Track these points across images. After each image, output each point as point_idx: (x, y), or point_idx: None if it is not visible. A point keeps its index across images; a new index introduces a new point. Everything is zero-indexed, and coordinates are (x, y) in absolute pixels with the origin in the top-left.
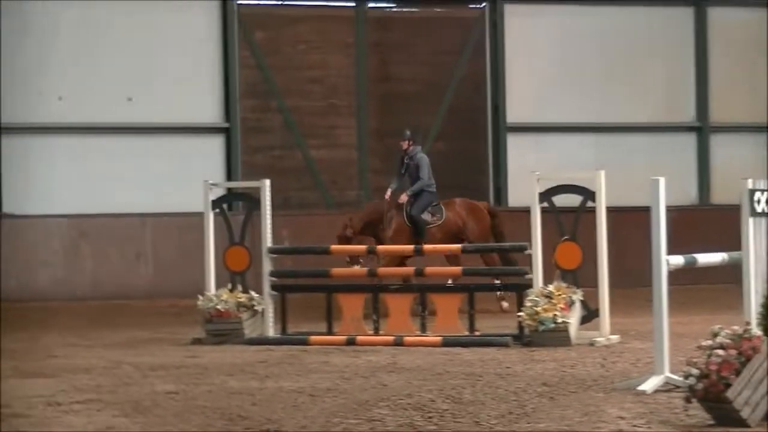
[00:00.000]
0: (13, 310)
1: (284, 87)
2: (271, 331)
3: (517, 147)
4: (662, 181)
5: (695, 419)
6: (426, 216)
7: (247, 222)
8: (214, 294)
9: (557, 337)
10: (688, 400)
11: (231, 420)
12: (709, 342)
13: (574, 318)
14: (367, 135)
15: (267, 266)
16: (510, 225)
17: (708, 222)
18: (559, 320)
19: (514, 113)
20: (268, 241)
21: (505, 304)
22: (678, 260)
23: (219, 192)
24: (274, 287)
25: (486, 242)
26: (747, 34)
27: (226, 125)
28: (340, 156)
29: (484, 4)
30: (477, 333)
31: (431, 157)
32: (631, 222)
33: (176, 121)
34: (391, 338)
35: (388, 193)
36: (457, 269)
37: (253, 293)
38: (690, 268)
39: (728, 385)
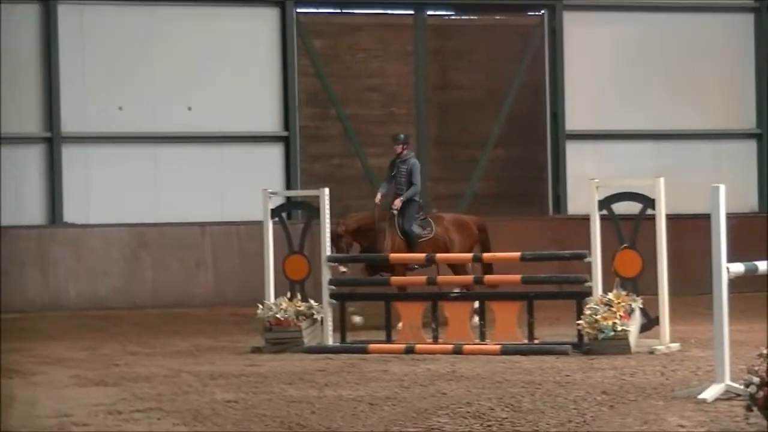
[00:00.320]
0: (74, 318)
1: (343, 95)
2: (330, 340)
3: (576, 154)
4: (722, 188)
5: (756, 427)
6: (417, 229)
7: (307, 230)
8: (274, 303)
9: (617, 345)
10: (748, 408)
11: (290, 428)
12: None
13: (633, 326)
14: (427, 143)
15: (326, 275)
16: (569, 233)
17: None
18: (619, 328)
19: (573, 120)
20: (327, 249)
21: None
22: (738, 268)
23: (278, 201)
24: (333, 296)
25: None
26: None
27: (285, 134)
28: None
29: (543, 11)
30: (536, 341)
31: (490, 164)
32: (691, 229)
33: (235, 129)
34: (450, 346)
35: (378, 196)
36: (516, 277)
37: (312, 302)
38: (750, 276)
39: None
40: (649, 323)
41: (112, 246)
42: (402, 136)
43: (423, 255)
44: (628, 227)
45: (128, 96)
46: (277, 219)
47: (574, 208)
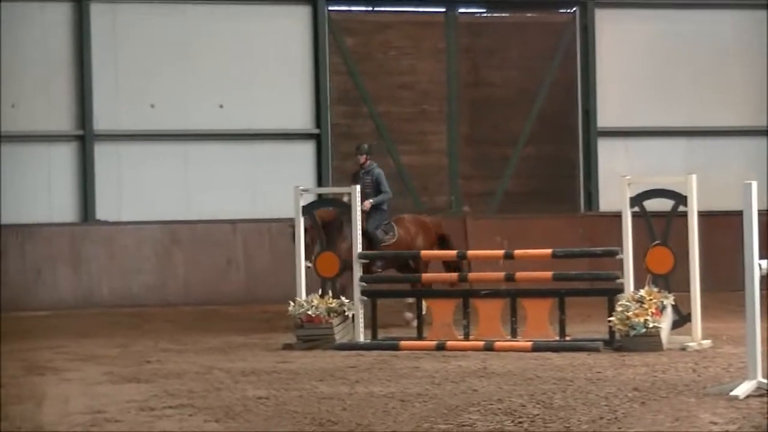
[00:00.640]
0: (107, 315)
1: (375, 93)
2: (362, 337)
3: (607, 151)
4: (754, 184)
5: None
6: (380, 234)
7: (340, 228)
8: (305, 299)
9: (649, 341)
10: None
11: (321, 425)
12: None
13: (665, 323)
14: (458, 140)
15: (357, 272)
16: (601, 230)
17: None
18: (651, 325)
19: (604, 117)
20: (358, 246)
21: (408, 315)
22: None
23: (310, 198)
24: (364, 293)
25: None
26: None
27: (316, 131)
28: (431, 162)
29: (574, 8)
30: (568, 338)
31: (522, 162)
32: (722, 226)
33: (267, 127)
34: (481, 343)
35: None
36: (548, 274)
37: (343, 299)
38: None
39: None
40: (681, 320)
41: (144, 243)
42: (366, 146)
43: (455, 252)
44: (660, 224)
45: (160, 94)
46: (308, 216)
47: (606, 205)
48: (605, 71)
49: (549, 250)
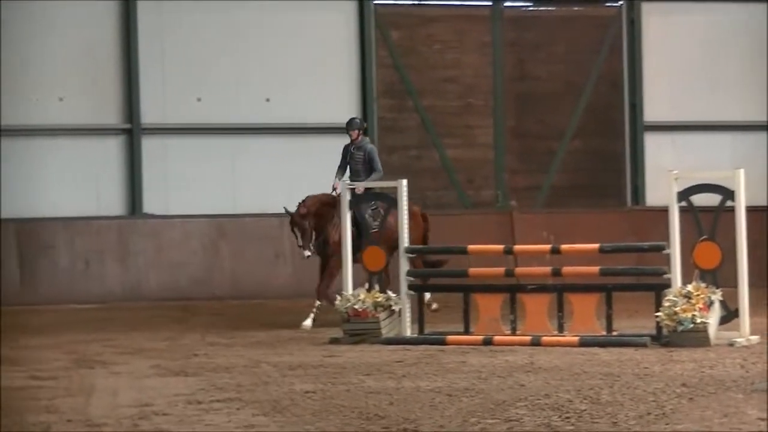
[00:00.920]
0: (154, 309)
1: (420, 87)
2: (408, 331)
3: (654, 145)
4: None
5: None
6: (369, 219)
7: (385, 222)
8: (352, 294)
9: (696, 337)
10: None
11: (368, 419)
12: None
13: (713, 318)
14: (504, 134)
15: (404, 266)
16: (648, 224)
17: None
18: (698, 320)
19: (651, 111)
20: (405, 240)
21: (434, 306)
22: None
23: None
24: (411, 287)
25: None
26: None
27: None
28: (477, 155)
29: (621, 2)
30: (615, 333)
31: (568, 156)
32: None
33: (313, 121)
34: (528, 338)
35: (337, 182)
36: (595, 269)
37: (390, 293)
38: None
39: None
40: (729, 315)
41: (191, 237)
42: (358, 120)
43: (502, 247)
44: (708, 219)
45: (207, 88)
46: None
47: (653, 199)
48: (652, 65)
49: (596, 245)
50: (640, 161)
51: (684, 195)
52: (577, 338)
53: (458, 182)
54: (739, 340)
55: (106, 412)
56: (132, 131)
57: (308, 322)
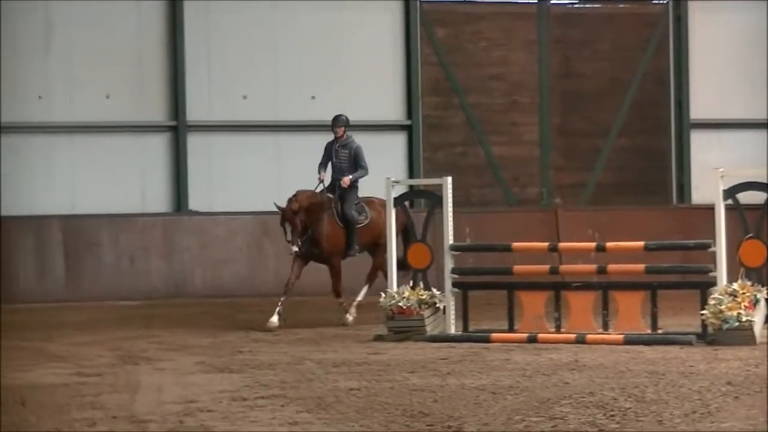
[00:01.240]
0: (199, 306)
1: (466, 84)
2: (453, 329)
3: (700, 143)
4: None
5: None
6: (354, 215)
7: (429, 219)
8: (396, 291)
9: (741, 335)
10: None
11: (413, 417)
12: None
13: (758, 316)
14: (550, 132)
15: (449, 263)
16: (693, 222)
17: None
18: (744, 318)
19: (697, 109)
20: (449, 238)
21: (349, 318)
22: None
23: (401, 189)
24: (455, 284)
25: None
26: None
27: (408, 122)
28: (522, 153)
29: None
30: (660, 331)
31: (614, 153)
32: None
33: (359, 118)
34: (572, 336)
35: (323, 175)
36: (640, 267)
37: (434, 290)
38: None
39: None
40: None
41: (236, 234)
42: (344, 117)
43: (547, 244)
44: (753, 217)
45: (252, 85)
46: (400, 207)
47: (699, 197)
48: (698, 62)
49: (641, 243)
50: (686, 159)
51: (730, 193)
52: (622, 336)
53: (503, 180)
54: None
55: (150, 408)
56: (177, 128)
57: (274, 319)
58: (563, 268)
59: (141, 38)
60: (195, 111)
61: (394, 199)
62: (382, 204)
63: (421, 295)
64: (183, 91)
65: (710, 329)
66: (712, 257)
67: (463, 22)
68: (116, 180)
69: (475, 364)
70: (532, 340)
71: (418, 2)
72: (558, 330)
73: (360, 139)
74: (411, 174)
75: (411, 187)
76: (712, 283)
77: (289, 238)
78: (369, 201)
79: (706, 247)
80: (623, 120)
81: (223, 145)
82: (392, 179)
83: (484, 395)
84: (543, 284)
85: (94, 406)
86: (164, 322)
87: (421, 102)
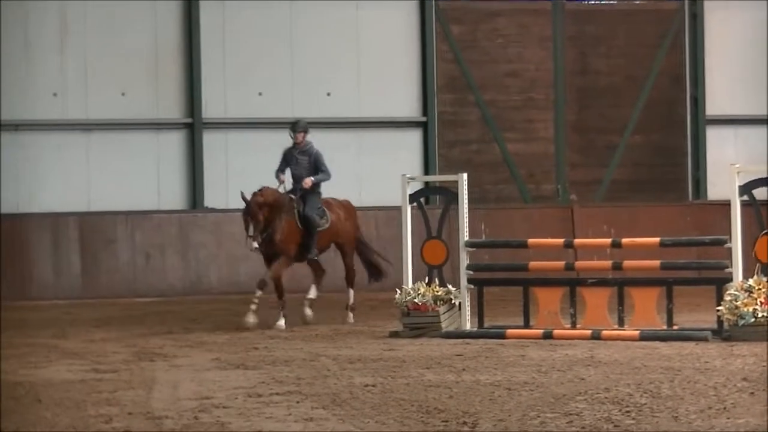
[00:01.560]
0: (214, 302)
1: (481, 81)
2: (468, 325)
3: (716, 139)
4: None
5: None
6: (316, 218)
7: (445, 216)
8: (412, 287)
9: (757, 331)
10: None
11: (428, 413)
12: None
13: None
14: (565, 128)
15: (464, 260)
16: (709, 218)
17: None
18: (760, 315)
19: (713, 105)
20: (465, 234)
21: (305, 314)
22: None
23: (416, 186)
24: (470, 281)
25: (353, 245)
26: None
27: (423, 119)
28: (538, 150)
29: None
30: (675, 327)
31: (629, 150)
32: None
33: (374, 115)
34: (588, 332)
35: (283, 178)
36: (655, 263)
37: (450, 287)
38: None
39: None
40: None
41: None
42: (303, 122)
43: (562, 240)
44: None
45: (268, 82)
46: (415, 204)
47: (714, 193)
48: (714, 59)
49: (657, 239)
50: (702, 155)
51: (746, 189)
52: (637, 332)
53: (519, 176)
54: None
55: (166, 404)
56: (193, 125)
57: (281, 323)
58: (578, 264)
59: (157, 36)
60: (211, 108)
61: (410, 195)
62: (341, 206)
63: (437, 291)
64: (199, 88)
65: (726, 325)
66: (728, 253)
67: (478, 19)
68: (132, 177)
69: (490, 360)
70: (548, 336)
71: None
72: (573, 326)
73: (375, 136)
74: (426, 171)
75: (426, 183)
76: (728, 279)
77: (251, 233)
78: (327, 203)
79: (721, 243)
80: (638, 116)
81: (238, 142)
82: (407, 176)
83: (499, 391)
84: (558, 280)
85: (110, 402)
86: (180, 318)
87: (437, 99)
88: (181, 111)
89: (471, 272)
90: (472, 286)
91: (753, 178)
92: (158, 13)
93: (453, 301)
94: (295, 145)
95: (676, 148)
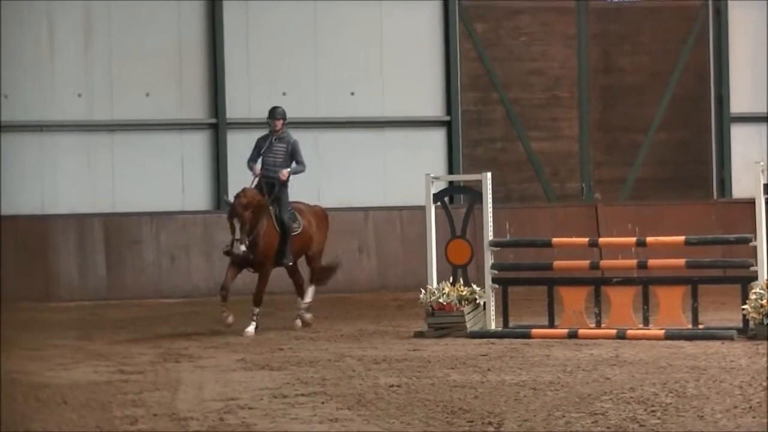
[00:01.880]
0: (239, 303)
1: (505, 79)
2: (493, 325)
3: (741, 137)
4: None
5: None
6: (289, 222)
7: (469, 215)
8: (436, 287)
9: None
10: None
11: (453, 413)
12: None
13: None
14: (589, 126)
15: (489, 259)
16: (734, 216)
17: None
18: None
19: (738, 103)
20: (489, 234)
21: (303, 319)
22: None
23: (441, 185)
24: (495, 280)
25: (322, 250)
26: None
27: (447, 118)
28: (562, 148)
29: None
30: (701, 326)
31: (653, 148)
32: None
33: (398, 114)
34: (613, 331)
35: (257, 170)
36: (680, 261)
37: (474, 286)
38: None
39: None
40: None
41: None
42: (281, 109)
43: (587, 239)
44: None
45: (292, 82)
46: (439, 203)
47: (739, 191)
48: (738, 56)
49: (682, 238)
50: (727, 153)
51: None
52: (662, 331)
53: (543, 175)
54: None
55: (191, 406)
56: (217, 126)
57: (251, 329)
58: (603, 263)
59: (181, 36)
60: (235, 108)
61: (434, 195)
62: (312, 211)
63: (461, 291)
64: (223, 88)
65: (751, 324)
66: (753, 251)
67: (502, 18)
68: (157, 178)
69: (516, 360)
70: (573, 335)
71: None
72: (598, 325)
73: (399, 136)
74: (451, 170)
75: (451, 183)
76: (753, 277)
77: (238, 235)
78: (298, 209)
79: (747, 241)
80: (663, 114)
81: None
82: (432, 175)
83: (525, 391)
84: (583, 279)
85: (135, 403)
86: (205, 319)
87: (461, 97)
88: (206, 111)
89: (496, 272)
90: (496, 286)
91: None
92: (182, 13)
93: (478, 301)
94: (273, 132)
95: (701, 146)
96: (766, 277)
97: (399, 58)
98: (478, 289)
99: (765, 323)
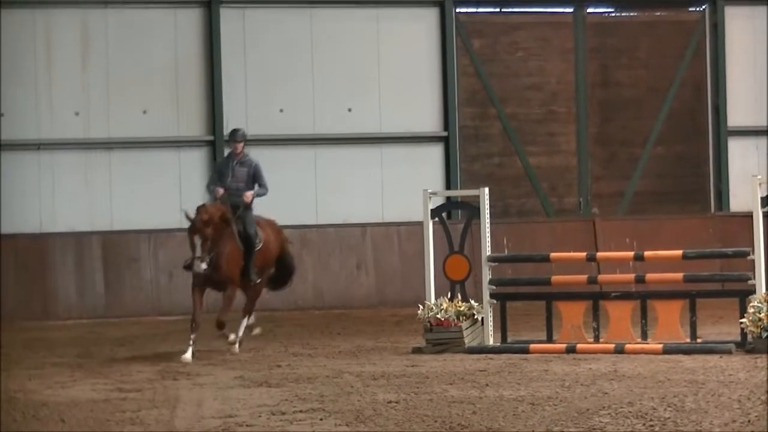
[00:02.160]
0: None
1: (503, 94)
2: (491, 340)
3: (738, 150)
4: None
5: None
6: (254, 237)
7: (467, 230)
8: (434, 303)
9: None
10: None
11: (451, 429)
12: None
13: None
14: (587, 141)
15: (487, 274)
16: (732, 230)
17: None
18: None
19: (735, 116)
20: (487, 249)
21: (232, 337)
22: None
23: (438, 200)
24: (493, 295)
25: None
26: None
27: (445, 134)
28: (560, 163)
29: (704, 6)
30: (699, 340)
31: (651, 162)
32: None
33: (395, 130)
34: (611, 346)
35: (220, 192)
36: (678, 275)
37: (472, 302)
38: None
39: None
40: None
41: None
42: (242, 131)
43: (585, 254)
44: None
45: (289, 98)
46: (437, 219)
47: (737, 205)
48: (736, 69)
49: (680, 252)
50: (724, 166)
51: None
52: (661, 345)
53: (541, 190)
54: None
55: (190, 423)
56: (215, 143)
57: (188, 356)
58: (601, 277)
59: (178, 53)
60: (232, 125)
61: (432, 210)
62: (270, 224)
63: (460, 306)
64: (220, 105)
65: (750, 337)
66: (751, 265)
67: (499, 33)
68: (155, 195)
69: (514, 375)
70: (571, 350)
71: (454, 13)
72: (597, 340)
73: (397, 152)
74: (448, 185)
75: (448, 198)
76: (751, 291)
77: (198, 254)
78: (258, 222)
79: (744, 255)
80: (661, 128)
81: (260, 158)
82: (429, 190)
83: (523, 406)
84: (581, 294)
85: (133, 421)
86: (203, 336)
87: (458, 113)
88: (203, 128)
89: (494, 287)
90: (495, 301)
91: None
92: (179, 31)
93: (476, 316)
94: (233, 155)
95: (699, 160)
96: (764, 291)
97: (396, 73)
98: (477, 304)
99: (763, 337)
